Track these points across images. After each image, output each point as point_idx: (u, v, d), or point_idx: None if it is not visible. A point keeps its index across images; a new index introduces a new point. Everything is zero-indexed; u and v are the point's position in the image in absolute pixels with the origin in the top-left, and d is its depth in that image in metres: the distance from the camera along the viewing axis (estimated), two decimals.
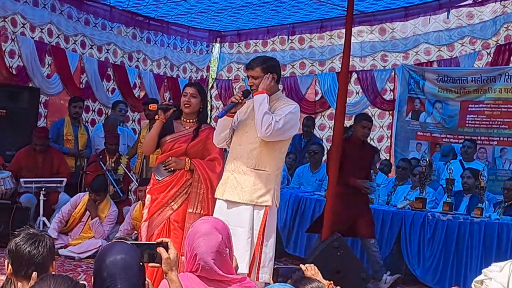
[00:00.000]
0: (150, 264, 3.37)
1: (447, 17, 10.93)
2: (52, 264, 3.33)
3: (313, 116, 12.39)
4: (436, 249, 8.20)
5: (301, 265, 4.14)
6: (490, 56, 10.78)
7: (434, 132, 11.32)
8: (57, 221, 8.79)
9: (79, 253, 8.56)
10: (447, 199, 8.51)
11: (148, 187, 6.16)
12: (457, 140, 10.84)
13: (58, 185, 9.38)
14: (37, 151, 9.52)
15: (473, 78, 10.66)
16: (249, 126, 5.44)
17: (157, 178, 6.04)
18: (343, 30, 9.19)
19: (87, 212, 8.86)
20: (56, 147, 9.92)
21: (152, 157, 8.66)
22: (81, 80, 11.93)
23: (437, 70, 11.28)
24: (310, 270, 4.06)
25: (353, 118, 12.02)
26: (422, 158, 9.10)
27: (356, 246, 8.55)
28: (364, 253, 8.39)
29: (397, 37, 11.79)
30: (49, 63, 11.42)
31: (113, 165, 9.66)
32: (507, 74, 10.32)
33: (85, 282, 2.87)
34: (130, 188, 10.53)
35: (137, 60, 12.94)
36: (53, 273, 3.08)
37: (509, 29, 10.44)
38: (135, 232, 8.57)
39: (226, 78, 14.22)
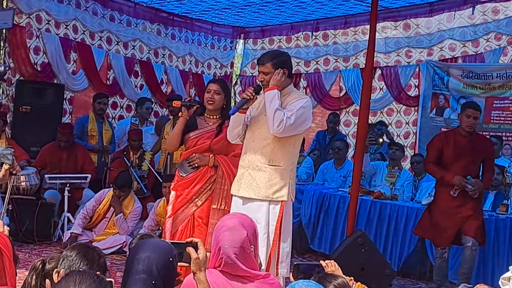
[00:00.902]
0: (178, 264, 3.37)
1: (472, 13, 10.85)
2: None
3: (338, 112, 12.37)
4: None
5: (321, 261, 4.12)
6: None
7: None
8: (82, 217, 8.82)
9: (104, 249, 8.54)
10: None
11: (172, 183, 6.17)
12: None
13: (83, 181, 9.40)
14: (61, 147, 9.56)
15: (498, 74, 10.56)
16: (261, 122, 5.42)
17: (181, 174, 6.03)
18: (367, 26, 9.17)
19: (111, 208, 8.88)
20: (81, 143, 9.95)
21: (176, 153, 8.65)
22: (107, 76, 11.99)
23: (461, 66, 11.19)
24: (330, 266, 4.05)
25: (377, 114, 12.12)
26: None
27: (379, 242, 8.51)
28: (387, 249, 8.37)
29: (422, 33, 11.73)
30: (75, 59, 11.49)
31: (137, 161, 9.68)
32: None
33: (111, 279, 2.86)
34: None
35: (163, 56, 12.98)
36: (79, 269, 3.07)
37: None
38: (159, 228, 8.59)
39: (250, 75, 14.22)
